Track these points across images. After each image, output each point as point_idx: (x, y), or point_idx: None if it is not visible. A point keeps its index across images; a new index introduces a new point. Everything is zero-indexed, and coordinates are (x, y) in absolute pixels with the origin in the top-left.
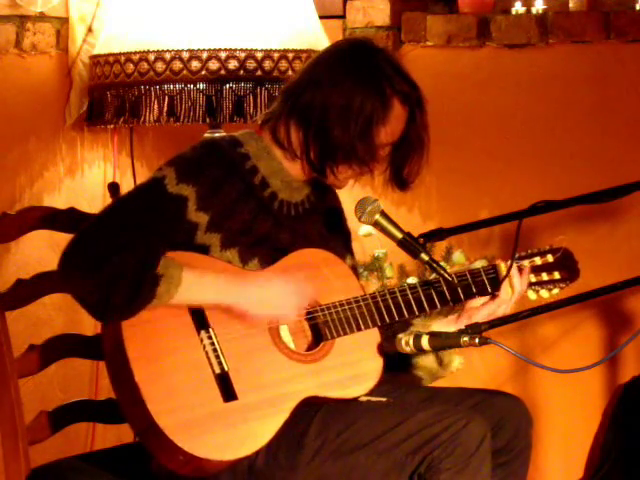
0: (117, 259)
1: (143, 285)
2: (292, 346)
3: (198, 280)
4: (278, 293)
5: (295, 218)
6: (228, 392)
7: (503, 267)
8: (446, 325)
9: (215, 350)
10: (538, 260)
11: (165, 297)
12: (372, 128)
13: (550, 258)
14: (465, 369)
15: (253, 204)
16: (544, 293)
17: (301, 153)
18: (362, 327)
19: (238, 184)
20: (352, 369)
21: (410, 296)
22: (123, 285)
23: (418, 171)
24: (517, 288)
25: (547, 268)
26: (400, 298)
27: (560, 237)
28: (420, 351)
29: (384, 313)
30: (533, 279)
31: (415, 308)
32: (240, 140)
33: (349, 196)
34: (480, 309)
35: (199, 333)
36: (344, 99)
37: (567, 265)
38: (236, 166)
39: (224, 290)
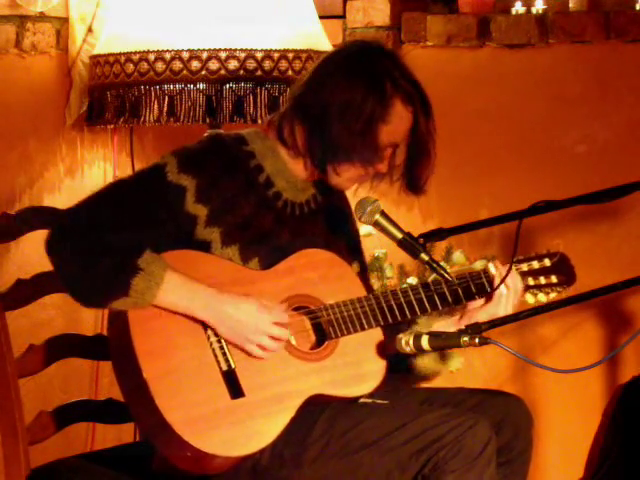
0: (105, 241)
1: (120, 272)
2: (295, 345)
3: (179, 284)
4: (248, 322)
5: (299, 218)
6: (235, 389)
7: (497, 267)
8: (448, 326)
9: (222, 347)
10: (536, 264)
11: (147, 295)
12: (373, 126)
13: (547, 262)
14: (465, 369)
15: (254, 200)
16: (542, 297)
17: (304, 151)
18: (366, 326)
19: (239, 180)
20: (356, 368)
21: (412, 297)
22: (101, 267)
23: (428, 174)
24: (512, 286)
25: (544, 272)
26: (402, 299)
27: (556, 241)
28: (420, 351)
29: (387, 313)
30: (531, 282)
31: (417, 309)
32: (246, 138)
33: (349, 196)
34: (480, 310)
35: (206, 330)
36: (346, 96)
37: (564, 269)
38: (239, 163)
39: (199, 303)
